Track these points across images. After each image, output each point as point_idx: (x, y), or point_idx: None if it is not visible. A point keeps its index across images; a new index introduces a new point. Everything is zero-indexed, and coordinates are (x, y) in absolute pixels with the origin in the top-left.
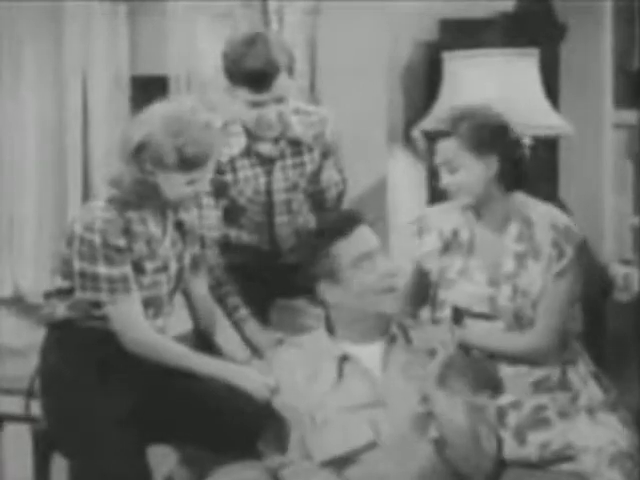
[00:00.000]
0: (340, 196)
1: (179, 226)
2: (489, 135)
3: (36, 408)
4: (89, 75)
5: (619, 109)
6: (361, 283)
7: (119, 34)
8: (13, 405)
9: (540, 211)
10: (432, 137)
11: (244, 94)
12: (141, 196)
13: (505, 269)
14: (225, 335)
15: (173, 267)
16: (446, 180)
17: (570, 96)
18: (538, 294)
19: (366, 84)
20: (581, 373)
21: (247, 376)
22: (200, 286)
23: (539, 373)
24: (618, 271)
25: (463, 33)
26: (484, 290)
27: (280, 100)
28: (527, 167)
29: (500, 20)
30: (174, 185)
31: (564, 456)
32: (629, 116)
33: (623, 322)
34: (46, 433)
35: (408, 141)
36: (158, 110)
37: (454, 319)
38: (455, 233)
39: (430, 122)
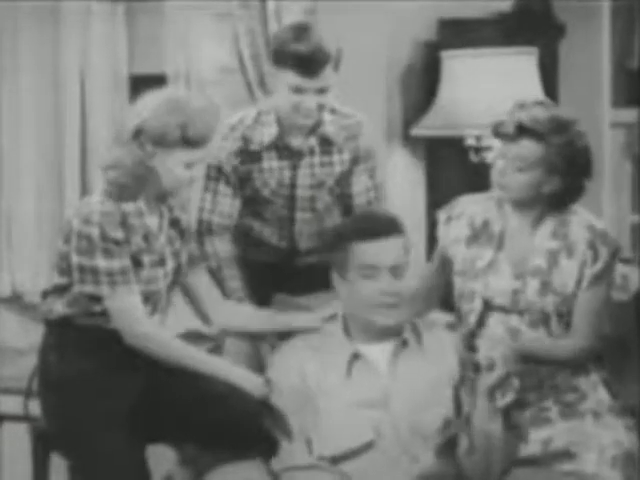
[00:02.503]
0: (370, 203)
1: (175, 224)
2: (571, 160)
3: (35, 407)
4: (87, 74)
5: (617, 108)
6: (359, 290)
7: (117, 33)
8: (12, 404)
9: (577, 213)
10: (522, 132)
11: (289, 77)
12: (138, 180)
13: (534, 264)
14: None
15: (170, 263)
16: (504, 169)
17: (568, 95)
18: (571, 294)
19: (365, 83)
20: (591, 377)
21: (243, 375)
22: (202, 280)
23: (545, 370)
24: (617, 270)
25: (462, 32)
26: (509, 283)
27: (323, 91)
28: (582, 192)
29: (499, 19)
30: (172, 167)
31: (567, 454)
32: (628, 115)
33: (622, 321)
34: (45, 432)
35: (407, 139)
36: (158, 95)
37: (483, 312)
38: (486, 224)
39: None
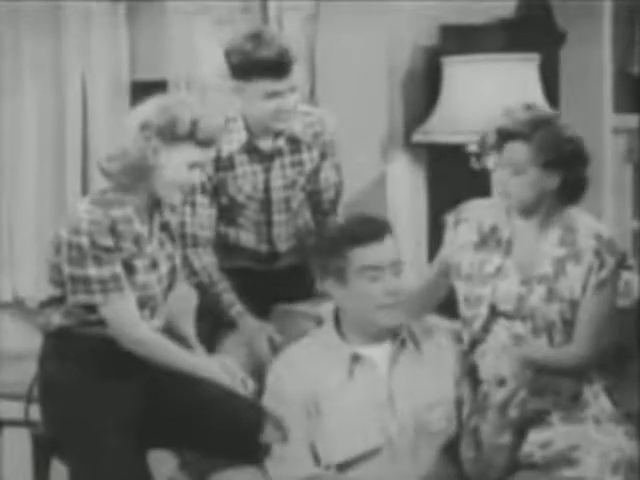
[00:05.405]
0: (337, 198)
1: (165, 227)
2: (560, 151)
3: (36, 413)
4: (88, 79)
5: (619, 113)
6: (363, 292)
7: (118, 35)
8: (13, 410)
9: (584, 221)
10: (505, 137)
11: (263, 86)
12: (140, 173)
13: (540, 270)
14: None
15: (164, 267)
16: (502, 178)
17: (570, 101)
18: (576, 300)
19: (366, 89)
20: (594, 386)
21: (233, 373)
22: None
23: (546, 378)
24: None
25: (463, 38)
26: (515, 289)
27: (294, 89)
28: (586, 184)
29: (500, 25)
30: (177, 166)
31: (567, 458)
32: (629, 120)
33: (622, 328)
34: (45, 438)
35: (408, 145)
36: (166, 96)
37: (488, 318)
38: (494, 229)
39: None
